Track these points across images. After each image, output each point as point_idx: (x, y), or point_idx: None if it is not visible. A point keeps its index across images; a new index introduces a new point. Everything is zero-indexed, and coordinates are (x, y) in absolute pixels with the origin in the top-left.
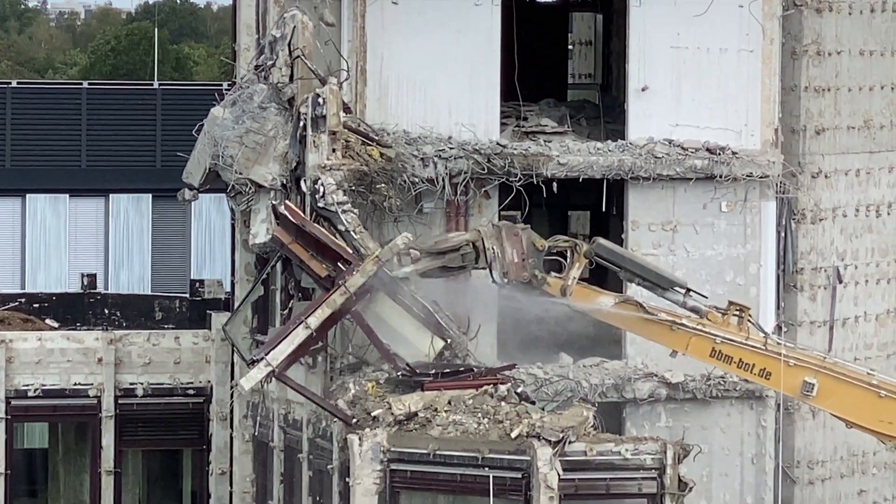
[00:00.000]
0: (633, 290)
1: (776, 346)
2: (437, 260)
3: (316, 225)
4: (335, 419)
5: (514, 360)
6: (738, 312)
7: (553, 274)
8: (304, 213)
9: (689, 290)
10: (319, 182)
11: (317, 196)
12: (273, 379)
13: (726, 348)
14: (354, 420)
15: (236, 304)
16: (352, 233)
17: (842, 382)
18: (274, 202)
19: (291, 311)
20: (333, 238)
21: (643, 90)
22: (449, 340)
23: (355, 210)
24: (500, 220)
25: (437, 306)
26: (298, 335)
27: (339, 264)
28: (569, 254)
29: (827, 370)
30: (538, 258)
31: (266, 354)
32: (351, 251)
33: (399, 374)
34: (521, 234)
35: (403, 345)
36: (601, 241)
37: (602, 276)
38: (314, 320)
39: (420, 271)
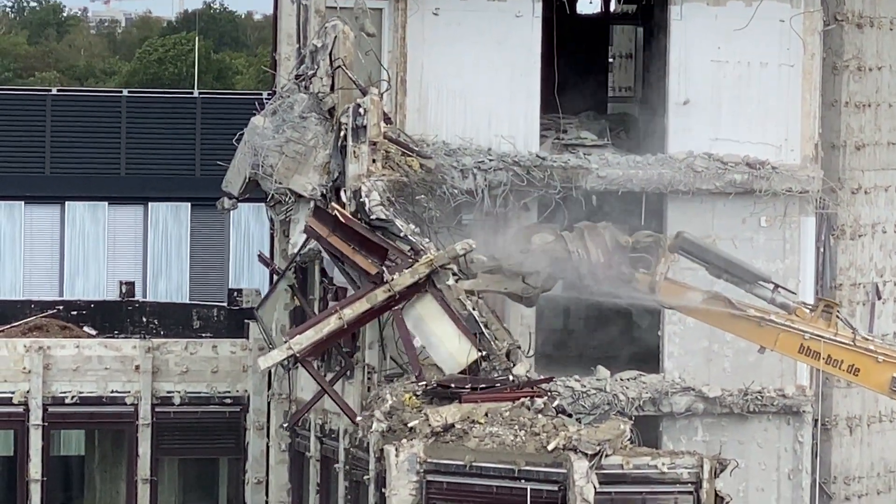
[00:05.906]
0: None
1: (865, 342)
2: (507, 282)
3: (364, 225)
4: (371, 430)
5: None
6: (827, 309)
7: (641, 270)
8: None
9: (777, 285)
10: (363, 194)
11: (366, 209)
12: (293, 364)
13: (815, 344)
14: (359, 418)
15: (270, 294)
16: (409, 236)
17: None
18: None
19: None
20: (384, 238)
21: (685, 104)
22: (484, 352)
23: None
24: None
25: (494, 316)
26: (329, 324)
27: (387, 261)
28: (655, 249)
29: None
30: (623, 255)
31: (291, 338)
32: (407, 250)
33: (423, 384)
34: (603, 232)
35: (440, 350)
36: (685, 234)
37: None
38: (349, 312)
39: (481, 289)
